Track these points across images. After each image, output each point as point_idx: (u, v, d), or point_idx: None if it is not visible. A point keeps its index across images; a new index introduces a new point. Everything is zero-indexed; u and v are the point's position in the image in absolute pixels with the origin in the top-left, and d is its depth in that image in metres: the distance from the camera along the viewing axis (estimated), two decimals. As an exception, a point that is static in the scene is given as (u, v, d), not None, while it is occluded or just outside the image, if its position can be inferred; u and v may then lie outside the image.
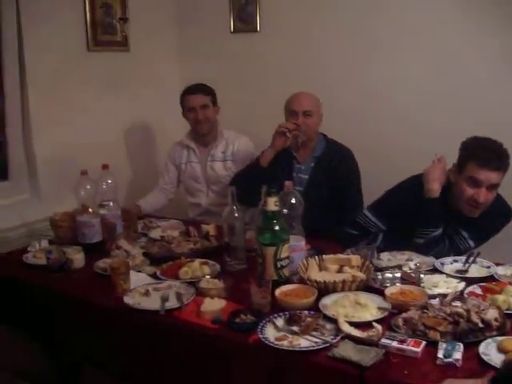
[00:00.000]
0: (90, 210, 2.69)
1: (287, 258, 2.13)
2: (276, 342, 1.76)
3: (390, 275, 2.21)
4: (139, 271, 2.38)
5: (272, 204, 2.10)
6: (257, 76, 3.92)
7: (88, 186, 2.75)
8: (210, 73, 3.88)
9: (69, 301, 2.31)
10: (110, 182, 2.81)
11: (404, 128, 3.41)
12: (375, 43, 3.45)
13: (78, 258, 2.49)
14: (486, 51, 3.12)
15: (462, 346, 1.66)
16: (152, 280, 2.31)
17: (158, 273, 2.35)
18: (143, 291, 2.18)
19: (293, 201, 2.27)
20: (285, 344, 1.75)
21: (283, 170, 3.02)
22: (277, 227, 2.11)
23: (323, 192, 3.00)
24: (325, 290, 2.04)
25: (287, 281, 2.14)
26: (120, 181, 3.09)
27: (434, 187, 2.49)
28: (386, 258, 2.41)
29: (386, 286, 2.08)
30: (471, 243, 2.51)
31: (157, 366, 2.08)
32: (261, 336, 1.80)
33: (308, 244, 2.35)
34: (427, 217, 2.48)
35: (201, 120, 3.32)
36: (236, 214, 2.40)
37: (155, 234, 2.84)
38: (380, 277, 2.20)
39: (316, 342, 1.75)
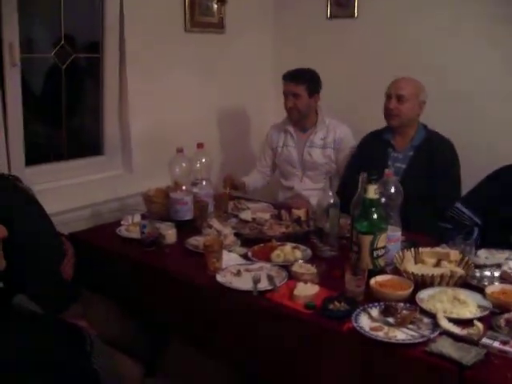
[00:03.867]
0: (184, 187, 2.72)
1: (383, 247, 2.08)
2: (371, 332, 1.73)
3: (489, 273, 2.12)
4: (230, 251, 2.39)
5: (372, 192, 2.05)
6: (352, 63, 3.84)
7: (183, 164, 2.79)
8: (304, 59, 3.82)
9: (160, 275, 2.36)
10: (204, 160, 2.84)
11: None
12: (479, 29, 3.31)
13: (170, 233, 2.53)
14: None
15: None
16: (243, 260, 2.32)
17: (249, 254, 2.36)
18: (235, 271, 2.19)
19: (392, 190, 2.21)
20: (380, 335, 1.71)
21: (379, 157, 2.93)
22: (375, 216, 2.06)
23: (420, 183, 2.88)
24: (421, 283, 1.98)
25: (381, 271, 2.09)
26: (213, 161, 3.11)
27: None
28: (483, 256, 2.31)
29: (484, 285, 2.00)
30: None
31: (244, 346, 2.09)
32: (355, 325, 1.77)
33: (402, 235, 2.29)
34: None
35: (290, 108, 3.32)
36: (331, 201, 2.36)
37: (245, 215, 2.83)
38: (478, 274, 2.12)
39: (413, 336, 1.70)
